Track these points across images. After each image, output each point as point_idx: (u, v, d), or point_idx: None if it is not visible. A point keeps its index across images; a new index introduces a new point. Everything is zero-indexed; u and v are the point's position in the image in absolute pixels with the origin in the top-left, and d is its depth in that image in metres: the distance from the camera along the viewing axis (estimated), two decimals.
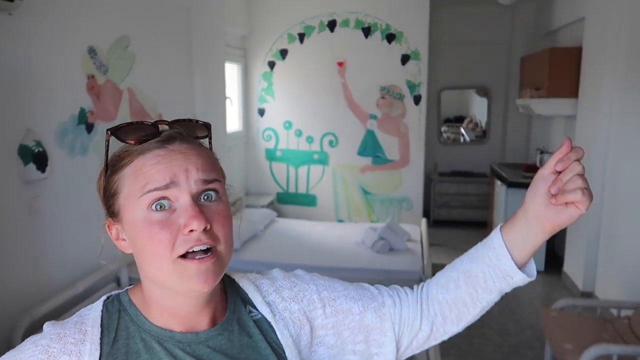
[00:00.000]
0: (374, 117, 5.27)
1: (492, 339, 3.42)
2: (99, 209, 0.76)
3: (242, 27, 5.21)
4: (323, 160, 5.47)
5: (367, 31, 5.12)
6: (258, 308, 0.79)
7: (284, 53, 5.35)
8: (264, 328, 0.77)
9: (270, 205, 5.46)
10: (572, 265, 4.25)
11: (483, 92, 6.59)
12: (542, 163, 4.80)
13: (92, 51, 2.84)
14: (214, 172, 0.71)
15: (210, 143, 0.77)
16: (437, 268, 3.95)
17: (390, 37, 5.09)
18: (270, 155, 5.61)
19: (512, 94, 6.15)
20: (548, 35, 5.45)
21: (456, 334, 0.86)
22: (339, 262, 3.72)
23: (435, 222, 6.28)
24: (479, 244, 0.83)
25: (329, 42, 5.22)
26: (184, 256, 0.65)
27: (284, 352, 0.76)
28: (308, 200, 5.60)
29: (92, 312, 0.70)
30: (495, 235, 0.79)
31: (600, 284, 3.88)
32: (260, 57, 5.41)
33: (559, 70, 4.30)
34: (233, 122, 5.39)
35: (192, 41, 4.13)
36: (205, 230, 0.66)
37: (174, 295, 0.70)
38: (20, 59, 2.36)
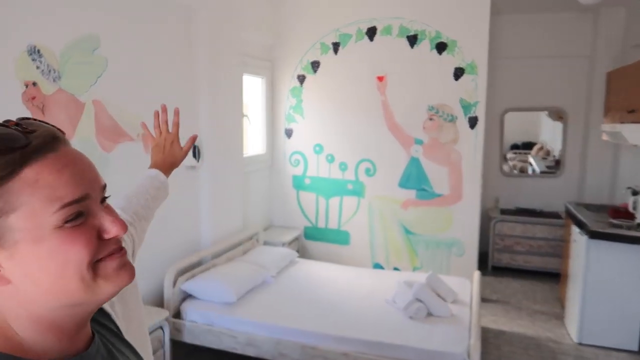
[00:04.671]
0: (419, 142, 4.39)
1: None
2: None
3: (267, 35, 4.55)
4: (358, 191, 4.64)
5: (413, 40, 4.29)
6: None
7: (315, 65, 4.61)
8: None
9: (294, 242, 4.68)
10: None
11: (557, 115, 5.53)
12: (636, 207, 3.71)
13: (34, 51, 2.21)
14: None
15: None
16: (487, 344, 2.64)
17: (441, 47, 4.22)
18: (298, 183, 4.85)
19: (594, 117, 5.05)
20: None
21: None
22: (357, 330, 2.86)
23: (494, 269, 5.24)
24: (152, 187, 1.26)
25: (368, 52, 4.43)
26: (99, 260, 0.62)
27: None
28: (340, 237, 4.77)
29: None
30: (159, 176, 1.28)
31: None
32: (289, 69, 4.71)
33: None
34: (255, 143, 4.70)
35: (197, 48, 3.48)
36: None
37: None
38: None
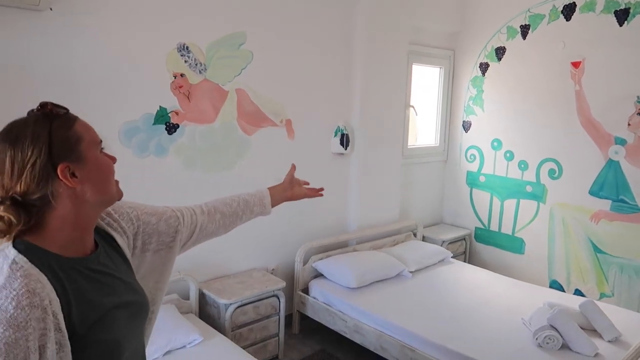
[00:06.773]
0: (621, 141, 3.56)
1: None
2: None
3: (450, 22, 4.31)
4: (538, 195, 4.04)
5: (623, 15, 3.48)
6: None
7: (500, 52, 4.17)
8: (110, 242, 1.04)
9: (458, 242, 4.38)
10: None
11: None
12: None
13: (183, 48, 2.68)
14: None
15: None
16: None
17: None
18: (472, 180, 4.50)
19: None
20: None
21: None
22: (466, 346, 2.57)
23: None
24: (254, 197, 1.38)
25: (563, 34, 3.78)
26: None
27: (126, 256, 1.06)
28: (513, 244, 4.25)
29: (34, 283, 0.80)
30: (266, 196, 1.40)
31: None
32: (471, 58, 4.38)
33: None
34: (425, 135, 4.55)
35: (355, 38, 3.58)
36: None
37: (97, 213, 0.97)
38: (79, 51, 2.36)
